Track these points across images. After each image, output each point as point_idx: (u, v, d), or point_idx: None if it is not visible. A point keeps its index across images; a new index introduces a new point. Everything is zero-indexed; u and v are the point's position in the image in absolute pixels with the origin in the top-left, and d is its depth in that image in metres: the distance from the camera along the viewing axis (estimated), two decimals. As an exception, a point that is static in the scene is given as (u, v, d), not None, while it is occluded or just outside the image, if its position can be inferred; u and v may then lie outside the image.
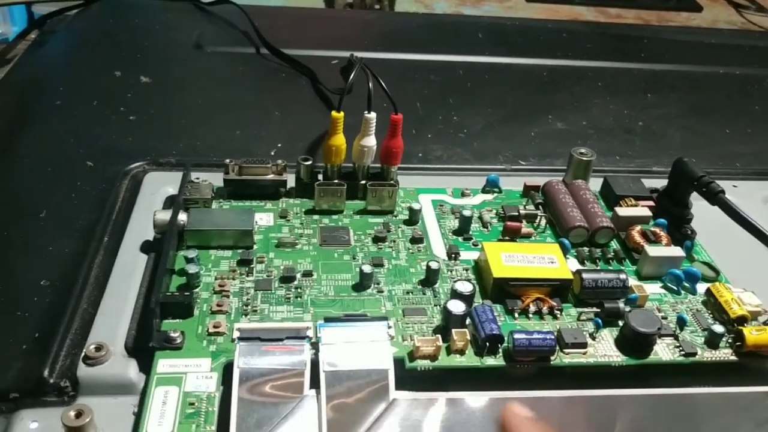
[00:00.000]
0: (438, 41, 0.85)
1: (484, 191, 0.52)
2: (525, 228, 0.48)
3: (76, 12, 0.86)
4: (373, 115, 0.46)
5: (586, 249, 0.47)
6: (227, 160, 0.49)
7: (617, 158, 0.62)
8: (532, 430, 0.30)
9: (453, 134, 0.64)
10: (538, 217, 0.49)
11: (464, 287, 0.40)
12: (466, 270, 0.44)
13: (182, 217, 0.44)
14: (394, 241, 0.46)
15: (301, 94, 0.69)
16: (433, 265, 0.43)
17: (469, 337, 0.38)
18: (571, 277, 0.42)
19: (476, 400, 0.36)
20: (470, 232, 0.48)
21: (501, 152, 0.61)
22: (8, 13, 1.35)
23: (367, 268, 0.42)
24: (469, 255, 0.46)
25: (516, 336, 0.37)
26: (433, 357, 0.37)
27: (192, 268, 0.40)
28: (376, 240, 0.46)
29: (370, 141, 0.47)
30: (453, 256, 0.45)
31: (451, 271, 0.44)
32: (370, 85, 0.46)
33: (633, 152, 0.63)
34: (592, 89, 0.75)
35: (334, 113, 0.46)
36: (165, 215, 0.44)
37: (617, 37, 0.94)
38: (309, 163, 0.49)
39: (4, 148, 0.56)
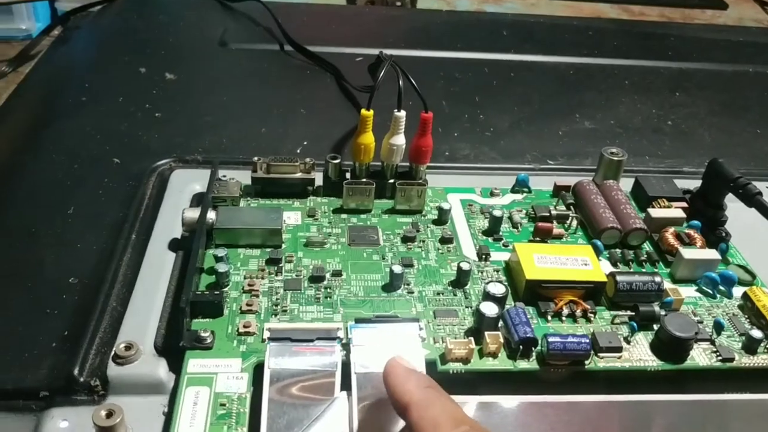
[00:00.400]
0: (462, 38, 0.84)
1: (513, 191, 0.52)
2: (556, 229, 0.47)
3: (99, 8, 0.86)
4: (402, 113, 0.46)
5: (618, 251, 0.46)
6: (255, 158, 0.48)
7: (647, 158, 0.61)
8: (410, 377, 0.31)
9: (480, 133, 0.63)
10: (570, 217, 0.48)
11: (497, 289, 0.39)
12: (497, 271, 0.44)
13: (211, 215, 0.44)
14: (424, 241, 0.46)
15: (326, 91, 0.68)
16: (464, 266, 0.42)
17: (501, 340, 0.37)
18: (605, 279, 0.41)
19: (509, 403, 0.36)
20: (500, 233, 0.47)
21: (529, 151, 0.60)
22: (32, 10, 1.36)
23: (397, 269, 0.41)
24: (499, 256, 0.45)
25: (551, 339, 0.36)
26: (465, 360, 0.37)
27: (222, 267, 0.40)
28: (405, 240, 0.46)
29: (400, 139, 0.47)
30: (483, 257, 0.45)
31: (481, 273, 0.44)
32: (401, 82, 0.45)
33: (663, 152, 0.62)
34: (620, 87, 0.74)
35: (363, 111, 0.45)
36: (194, 213, 0.43)
37: (643, 35, 0.92)
38: (337, 161, 0.48)
39: (31, 145, 0.56)
